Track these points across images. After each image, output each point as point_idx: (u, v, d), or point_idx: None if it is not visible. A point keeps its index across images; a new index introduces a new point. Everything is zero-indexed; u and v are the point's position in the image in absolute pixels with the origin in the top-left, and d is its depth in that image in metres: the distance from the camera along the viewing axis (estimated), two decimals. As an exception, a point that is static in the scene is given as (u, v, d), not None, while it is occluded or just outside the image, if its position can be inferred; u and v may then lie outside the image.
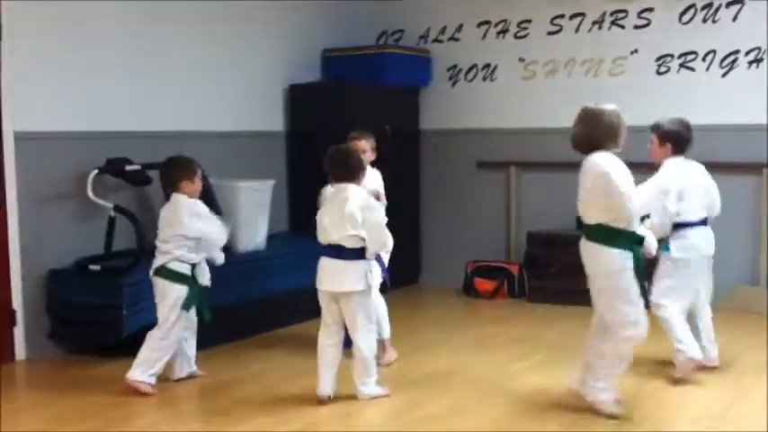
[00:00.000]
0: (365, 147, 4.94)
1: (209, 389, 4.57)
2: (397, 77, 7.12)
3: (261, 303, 5.68)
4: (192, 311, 4.63)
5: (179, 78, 6.07)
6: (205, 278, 4.63)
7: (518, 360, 5.06)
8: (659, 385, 4.53)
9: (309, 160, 6.86)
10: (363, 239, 4.20)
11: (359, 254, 4.22)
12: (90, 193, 5.24)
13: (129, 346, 4.97)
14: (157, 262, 4.51)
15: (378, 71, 6.99)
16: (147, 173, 5.56)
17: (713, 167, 6.33)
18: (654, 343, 4.38)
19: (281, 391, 4.49)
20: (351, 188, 4.26)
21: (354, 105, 6.78)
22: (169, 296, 4.48)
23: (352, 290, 4.21)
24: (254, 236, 5.84)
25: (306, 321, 5.91)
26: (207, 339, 5.28)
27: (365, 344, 4.28)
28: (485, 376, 4.76)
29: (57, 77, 5.26)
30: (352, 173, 4.30)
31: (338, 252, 4.22)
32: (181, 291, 4.48)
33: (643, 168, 6.49)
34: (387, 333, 4.95)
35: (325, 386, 4.30)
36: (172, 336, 4.49)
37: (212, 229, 4.58)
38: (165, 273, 4.48)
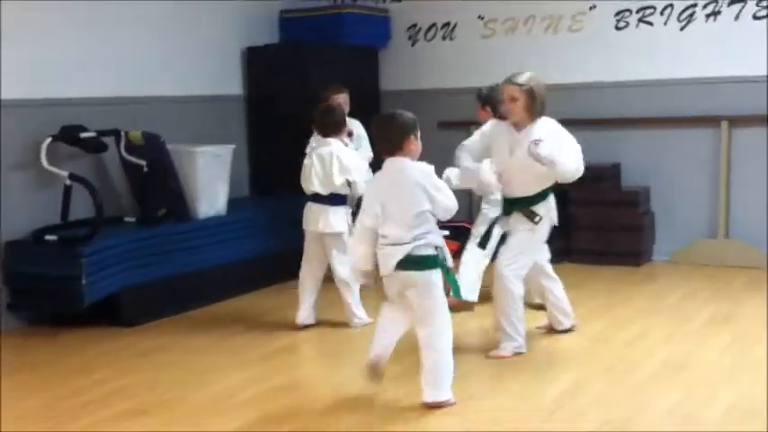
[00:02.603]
0: (345, 99, 5.56)
1: (177, 355, 4.54)
2: (356, 37, 7.03)
3: (222, 270, 5.63)
4: None
5: (134, 43, 5.94)
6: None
7: (481, 317, 5.09)
8: (626, 335, 4.61)
9: (269, 123, 6.81)
10: (349, 185, 4.75)
11: (342, 200, 4.79)
12: (44, 162, 5.13)
13: (92, 317, 4.96)
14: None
15: (336, 31, 6.91)
16: (102, 140, 5.47)
17: (672, 121, 6.42)
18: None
19: (251, 353, 4.49)
20: (333, 143, 4.78)
21: (313, 66, 6.70)
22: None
23: (335, 231, 4.75)
24: (214, 202, 5.77)
25: (269, 286, 5.90)
26: (167, 308, 5.26)
27: (344, 270, 4.73)
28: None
29: (7, 44, 5.10)
30: (336, 127, 4.82)
31: (323, 198, 4.79)
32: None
33: (602, 123, 6.57)
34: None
35: (303, 315, 4.91)
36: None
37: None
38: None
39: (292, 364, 4.35)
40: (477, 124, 4.91)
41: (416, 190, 3.53)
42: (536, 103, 4.21)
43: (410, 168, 3.59)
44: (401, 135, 3.60)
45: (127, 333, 4.97)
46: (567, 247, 6.47)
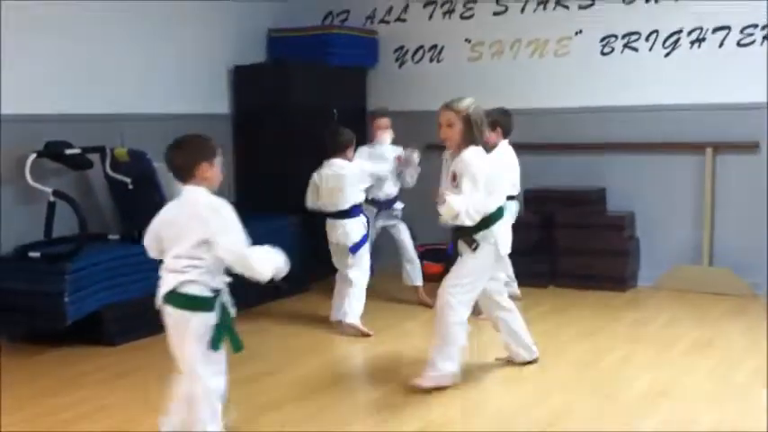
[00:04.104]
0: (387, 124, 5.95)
1: (157, 375, 4.50)
2: (344, 58, 7.06)
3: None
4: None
5: (120, 60, 5.93)
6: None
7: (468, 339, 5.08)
8: (610, 360, 4.61)
9: (256, 142, 6.81)
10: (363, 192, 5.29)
11: (356, 211, 5.24)
12: (29, 178, 5.10)
13: (74, 334, 4.92)
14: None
15: (324, 52, 6.93)
16: (87, 156, 5.45)
17: (657, 147, 6.47)
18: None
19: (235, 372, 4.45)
20: (339, 162, 5.20)
21: (301, 86, 6.72)
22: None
23: (348, 242, 5.23)
24: (200, 220, 5.75)
25: (254, 307, 5.87)
26: (150, 327, 5.21)
27: (357, 279, 5.23)
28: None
29: (-9, 59, 5.10)
30: (341, 148, 5.22)
31: (340, 213, 5.22)
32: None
33: (588, 147, 6.61)
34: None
35: (335, 313, 5.37)
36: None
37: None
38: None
39: (274, 386, 4.32)
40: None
41: (196, 222, 3.18)
42: (473, 131, 4.09)
43: (198, 198, 3.23)
44: (193, 161, 3.24)
45: (109, 352, 4.92)
46: (553, 270, 6.48)
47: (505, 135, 5.61)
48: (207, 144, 3.32)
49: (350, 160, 5.31)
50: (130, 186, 5.45)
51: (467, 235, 4.13)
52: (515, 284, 5.92)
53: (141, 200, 5.47)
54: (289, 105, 6.64)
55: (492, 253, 4.17)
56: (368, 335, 5.15)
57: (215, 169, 3.30)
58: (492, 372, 4.49)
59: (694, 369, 4.46)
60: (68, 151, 5.31)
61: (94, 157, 5.51)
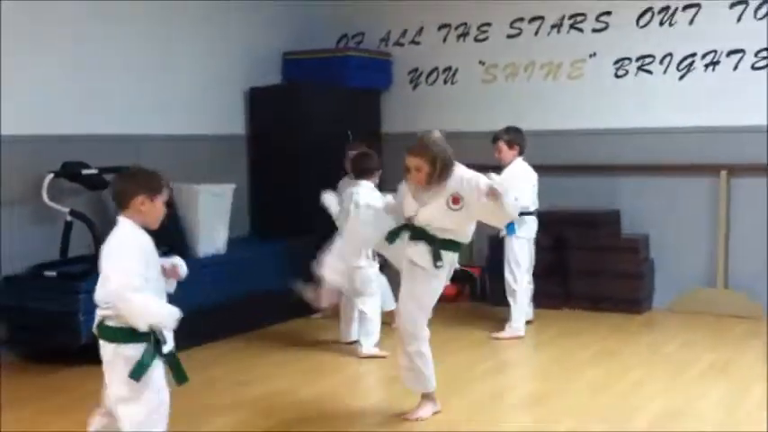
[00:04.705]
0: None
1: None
2: (358, 80, 7.10)
3: (220, 309, 5.61)
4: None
5: (137, 81, 5.99)
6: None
7: (480, 362, 5.07)
8: (623, 384, 4.58)
9: (271, 163, 6.84)
10: None
11: None
12: (45, 198, 5.15)
13: (88, 353, 4.92)
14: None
15: (338, 74, 6.97)
16: (103, 177, 5.49)
17: (671, 169, 6.46)
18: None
19: (243, 394, 4.46)
20: (361, 183, 5.12)
21: (315, 108, 6.75)
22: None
23: (354, 265, 4.87)
24: (214, 240, 5.79)
25: (266, 327, 5.88)
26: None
27: (367, 308, 5.15)
28: (448, 378, 4.76)
29: (10, 80, 5.15)
30: (365, 171, 5.19)
31: None
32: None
33: (602, 170, 6.61)
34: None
35: (346, 335, 5.40)
36: None
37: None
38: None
39: (285, 408, 4.32)
40: (496, 167, 5.14)
41: (104, 254, 3.13)
42: (442, 168, 3.95)
43: (121, 229, 3.16)
44: (131, 191, 3.15)
45: (122, 371, 4.92)
46: (567, 292, 6.46)
47: (521, 153, 5.68)
48: (153, 178, 3.23)
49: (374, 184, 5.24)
50: (146, 206, 5.48)
51: (437, 248, 3.95)
52: (531, 308, 5.90)
53: (156, 220, 5.50)
54: (303, 127, 6.67)
55: (446, 274, 4.07)
56: (383, 357, 5.13)
57: (155, 206, 3.19)
58: (503, 397, 4.48)
59: (708, 394, 4.44)
60: (85, 172, 5.35)
61: (111, 178, 5.55)
